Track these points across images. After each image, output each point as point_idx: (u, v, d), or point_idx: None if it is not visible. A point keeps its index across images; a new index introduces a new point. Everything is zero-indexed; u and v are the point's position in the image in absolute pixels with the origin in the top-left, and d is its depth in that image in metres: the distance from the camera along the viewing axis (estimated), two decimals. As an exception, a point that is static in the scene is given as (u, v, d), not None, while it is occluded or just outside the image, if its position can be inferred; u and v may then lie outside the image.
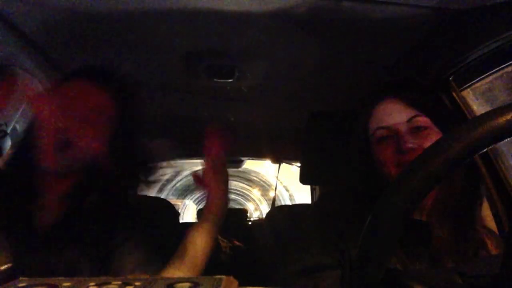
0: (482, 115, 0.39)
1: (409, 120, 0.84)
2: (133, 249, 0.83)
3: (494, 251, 0.81)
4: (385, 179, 0.86)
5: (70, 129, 0.83)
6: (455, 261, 0.78)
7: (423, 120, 0.85)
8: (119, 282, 0.36)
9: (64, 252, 0.80)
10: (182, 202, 8.50)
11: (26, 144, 0.88)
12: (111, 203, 0.88)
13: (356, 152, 0.90)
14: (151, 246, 0.87)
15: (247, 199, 10.54)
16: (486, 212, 1.17)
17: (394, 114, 0.86)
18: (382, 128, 0.86)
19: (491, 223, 1.10)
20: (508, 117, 0.37)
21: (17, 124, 1.28)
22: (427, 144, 0.82)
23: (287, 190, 6.76)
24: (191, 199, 9.56)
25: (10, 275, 0.68)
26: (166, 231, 1.12)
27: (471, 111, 1.23)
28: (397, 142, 0.83)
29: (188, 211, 9.28)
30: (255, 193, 9.76)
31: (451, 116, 1.22)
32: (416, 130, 0.84)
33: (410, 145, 0.81)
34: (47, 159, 0.82)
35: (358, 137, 0.90)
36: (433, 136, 0.83)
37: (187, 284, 0.35)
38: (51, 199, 0.85)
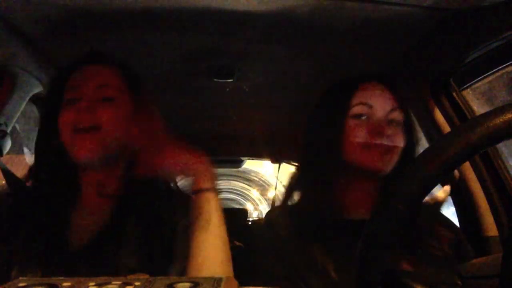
0: (482, 114, 0.39)
1: (391, 110, 0.85)
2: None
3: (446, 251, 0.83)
4: (347, 161, 0.85)
5: (92, 109, 0.79)
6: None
7: (400, 115, 0.85)
8: (119, 282, 0.36)
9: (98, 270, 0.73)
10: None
11: (49, 146, 0.83)
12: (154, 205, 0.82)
13: (328, 129, 0.87)
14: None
15: (247, 199, 10.54)
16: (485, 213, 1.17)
17: (380, 98, 0.86)
18: (365, 104, 0.85)
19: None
20: (508, 117, 0.37)
21: (17, 124, 1.28)
22: (396, 141, 0.83)
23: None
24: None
25: None
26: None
27: (471, 111, 1.23)
28: (377, 124, 0.83)
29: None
30: (254, 193, 9.76)
31: (451, 116, 1.22)
32: (391, 123, 0.84)
33: (388, 131, 0.82)
34: (78, 148, 0.77)
35: (334, 112, 0.87)
36: (400, 135, 0.84)
37: (187, 284, 0.35)
38: (91, 203, 0.82)
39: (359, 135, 0.83)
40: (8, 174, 0.85)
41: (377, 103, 0.85)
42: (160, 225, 0.80)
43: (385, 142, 0.82)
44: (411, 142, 0.88)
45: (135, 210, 0.80)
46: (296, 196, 0.93)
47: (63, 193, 0.81)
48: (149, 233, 0.78)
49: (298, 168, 0.97)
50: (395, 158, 0.84)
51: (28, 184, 0.84)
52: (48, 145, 0.83)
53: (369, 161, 0.83)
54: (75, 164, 0.82)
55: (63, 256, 0.74)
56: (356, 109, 0.85)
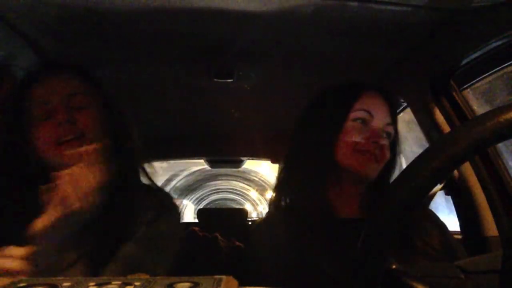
0: (485, 113, 0.39)
1: (387, 124, 0.89)
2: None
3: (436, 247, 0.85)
4: (338, 163, 0.87)
5: (72, 120, 0.82)
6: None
7: (393, 130, 0.91)
8: (119, 282, 0.36)
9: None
10: (180, 201, 8.50)
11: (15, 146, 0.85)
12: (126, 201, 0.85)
13: (325, 127, 0.89)
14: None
15: (246, 199, 10.54)
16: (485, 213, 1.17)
17: (381, 109, 0.89)
18: (367, 111, 0.88)
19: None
20: (509, 116, 0.37)
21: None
22: (385, 151, 0.87)
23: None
24: (190, 199, 9.57)
25: None
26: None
27: (471, 111, 1.23)
28: (374, 131, 0.87)
29: (187, 211, 9.29)
30: (253, 193, 9.77)
31: (451, 116, 1.22)
32: (385, 135, 0.89)
33: (381, 141, 0.86)
34: (67, 159, 0.78)
35: (337, 112, 0.90)
36: (386, 150, 0.88)
37: (187, 284, 0.35)
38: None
39: (355, 138, 0.86)
40: None
41: (378, 114, 0.88)
42: (124, 219, 0.83)
43: (378, 150, 0.86)
44: (395, 155, 0.93)
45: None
46: (287, 196, 0.94)
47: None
48: (114, 225, 0.81)
49: (285, 168, 0.97)
50: (381, 167, 0.88)
51: None
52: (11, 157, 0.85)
53: (360, 165, 0.86)
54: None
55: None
56: (358, 114, 0.88)
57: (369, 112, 0.88)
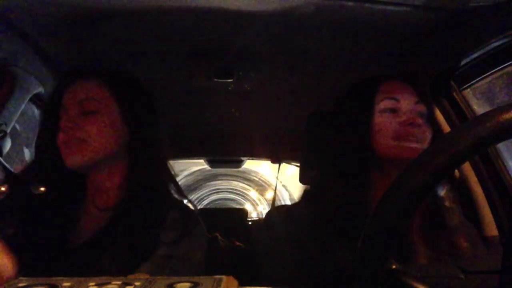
0: (485, 113, 0.39)
1: (416, 102, 0.87)
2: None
3: (464, 246, 0.84)
4: (379, 155, 0.86)
5: (76, 126, 0.84)
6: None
7: (424, 108, 0.88)
8: (119, 282, 0.36)
9: (98, 265, 0.78)
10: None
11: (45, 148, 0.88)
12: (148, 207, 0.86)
13: (355, 126, 0.88)
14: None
15: (246, 199, 10.54)
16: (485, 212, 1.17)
17: (405, 92, 0.88)
18: (392, 99, 0.86)
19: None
20: (509, 116, 0.37)
21: (17, 124, 1.28)
22: (425, 130, 0.85)
23: (287, 190, 6.76)
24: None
25: None
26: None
27: (471, 111, 1.23)
28: (407, 115, 0.84)
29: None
30: (252, 194, 9.76)
31: (451, 116, 1.22)
32: (418, 115, 0.86)
33: (418, 121, 0.83)
34: (65, 156, 0.83)
35: (360, 109, 0.88)
36: (427, 126, 0.86)
37: (187, 284, 0.35)
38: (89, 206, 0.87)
39: (391, 128, 0.84)
40: (8, 174, 0.87)
41: (403, 97, 0.86)
42: (145, 238, 0.83)
43: (417, 131, 0.83)
44: (437, 132, 0.90)
45: (125, 222, 0.83)
46: (318, 193, 0.93)
47: (67, 197, 0.86)
48: (133, 244, 0.81)
49: (323, 175, 0.95)
50: (426, 146, 0.85)
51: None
52: (46, 151, 0.88)
53: (404, 151, 0.83)
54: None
55: (62, 254, 0.78)
56: (384, 104, 0.87)
57: (394, 98, 0.86)
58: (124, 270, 0.76)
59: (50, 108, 0.89)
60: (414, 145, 0.83)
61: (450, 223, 0.86)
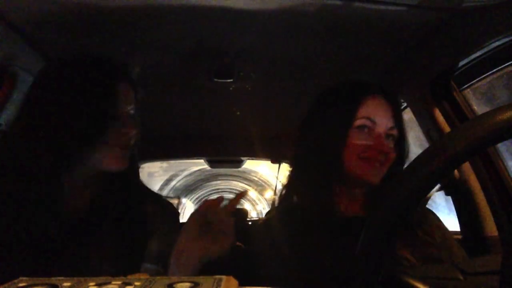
0: (485, 113, 0.39)
1: (391, 128, 0.89)
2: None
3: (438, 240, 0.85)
4: (343, 169, 0.88)
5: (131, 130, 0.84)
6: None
7: (397, 132, 0.90)
8: (119, 282, 0.36)
9: (86, 251, 0.77)
10: (178, 201, 8.46)
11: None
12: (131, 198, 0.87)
13: (330, 136, 0.90)
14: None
15: (246, 199, 10.54)
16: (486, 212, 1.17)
17: (384, 114, 0.90)
18: (369, 119, 0.88)
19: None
20: (509, 116, 0.37)
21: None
22: (390, 155, 0.88)
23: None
24: (190, 199, 9.56)
25: None
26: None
27: (471, 111, 1.23)
28: (378, 138, 0.87)
29: (186, 211, 9.28)
30: (252, 193, 9.77)
31: (451, 116, 1.22)
32: (389, 138, 0.90)
33: (386, 147, 0.87)
34: (117, 159, 0.82)
35: (341, 120, 0.90)
36: (393, 149, 0.89)
37: (187, 284, 0.35)
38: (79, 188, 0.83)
39: (360, 147, 0.87)
40: None
41: (380, 120, 0.89)
42: (133, 230, 0.83)
43: (382, 157, 0.86)
44: (401, 155, 0.92)
45: (111, 214, 0.83)
46: (294, 196, 0.95)
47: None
48: (122, 237, 0.81)
49: (293, 170, 0.98)
50: (386, 170, 0.89)
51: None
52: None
53: (365, 173, 0.87)
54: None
55: (41, 244, 0.75)
56: (361, 122, 0.89)
57: (371, 120, 0.88)
58: (118, 268, 0.77)
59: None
60: (373, 169, 0.87)
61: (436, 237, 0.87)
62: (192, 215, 0.78)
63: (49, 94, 0.80)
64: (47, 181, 0.77)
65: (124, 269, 0.78)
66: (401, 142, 0.92)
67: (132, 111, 0.86)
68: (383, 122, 0.89)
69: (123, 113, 0.84)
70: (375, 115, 0.89)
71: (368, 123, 0.88)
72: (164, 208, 0.93)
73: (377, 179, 0.87)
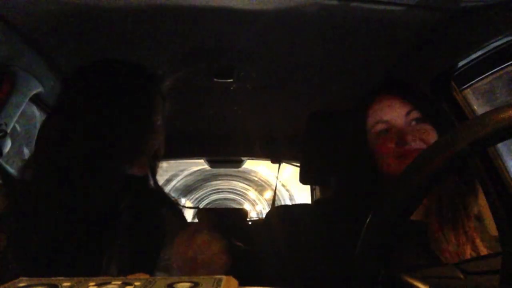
0: (485, 113, 0.39)
1: (407, 114, 0.88)
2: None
3: (482, 247, 0.83)
4: (384, 173, 0.87)
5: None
6: (449, 259, 0.79)
7: (418, 114, 0.88)
8: (119, 282, 0.35)
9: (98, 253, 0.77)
10: (178, 201, 8.46)
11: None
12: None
13: (355, 148, 0.91)
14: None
15: (246, 199, 10.54)
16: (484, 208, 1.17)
17: (392, 109, 0.89)
18: (382, 122, 0.88)
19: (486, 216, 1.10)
20: (508, 116, 0.37)
21: (17, 124, 1.28)
22: (425, 136, 0.85)
23: (287, 190, 6.76)
24: (190, 199, 9.56)
25: None
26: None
27: (471, 111, 1.23)
28: (398, 135, 0.86)
29: (186, 211, 9.27)
30: (251, 194, 9.77)
31: (451, 116, 1.22)
32: (414, 123, 0.87)
33: (411, 137, 0.84)
34: (144, 166, 0.84)
35: (356, 134, 0.91)
36: (429, 130, 0.86)
37: (187, 284, 0.35)
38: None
39: (388, 150, 0.86)
40: (4, 174, 0.85)
41: (391, 116, 0.88)
42: (148, 235, 0.83)
43: (413, 145, 0.84)
44: (445, 127, 0.89)
45: (127, 217, 0.83)
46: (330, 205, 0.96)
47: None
48: (136, 241, 0.81)
49: (335, 183, 0.98)
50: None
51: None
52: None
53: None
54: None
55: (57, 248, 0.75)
56: (376, 128, 0.89)
57: (384, 121, 0.88)
58: (122, 270, 0.76)
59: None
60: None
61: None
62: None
63: (85, 102, 0.80)
64: (83, 186, 0.76)
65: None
66: (433, 116, 0.89)
67: (159, 121, 0.88)
68: (395, 116, 0.88)
69: (156, 124, 0.86)
70: (384, 115, 0.88)
71: (383, 126, 0.88)
72: (177, 216, 0.92)
73: None
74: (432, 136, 0.87)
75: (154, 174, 0.91)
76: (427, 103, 0.91)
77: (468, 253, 0.80)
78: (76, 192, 0.76)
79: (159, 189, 0.94)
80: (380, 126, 0.88)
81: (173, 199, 0.98)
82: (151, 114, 0.84)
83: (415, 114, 0.88)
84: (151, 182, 0.92)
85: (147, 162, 0.86)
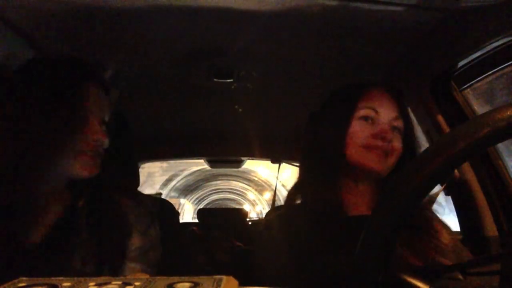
0: (484, 113, 0.39)
1: (395, 118, 0.89)
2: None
3: (445, 243, 0.84)
4: (348, 163, 0.88)
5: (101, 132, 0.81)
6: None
7: (401, 123, 0.90)
8: (119, 282, 0.36)
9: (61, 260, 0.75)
10: (177, 201, 8.48)
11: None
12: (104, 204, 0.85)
13: (333, 130, 0.91)
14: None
15: (246, 199, 10.55)
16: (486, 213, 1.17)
17: (385, 105, 0.90)
18: (371, 109, 0.89)
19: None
20: (508, 116, 0.37)
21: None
22: (395, 145, 0.87)
23: (287, 190, 6.75)
24: (190, 199, 9.56)
25: None
26: (167, 231, 1.12)
27: (471, 111, 1.23)
28: (380, 127, 0.87)
29: (186, 211, 9.28)
30: (251, 194, 9.78)
31: (451, 116, 1.22)
32: (393, 129, 0.89)
33: (389, 137, 0.86)
34: (88, 166, 0.79)
35: (342, 111, 0.91)
36: (399, 141, 0.88)
37: (187, 284, 0.35)
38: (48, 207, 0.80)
39: (363, 136, 0.87)
40: None
41: (383, 109, 0.89)
42: (110, 230, 0.82)
43: (386, 145, 0.86)
44: (411, 148, 0.91)
45: (86, 218, 0.81)
46: (300, 196, 0.95)
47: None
48: (100, 238, 0.79)
49: (300, 168, 0.98)
50: (393, 162, 0.88)
51: None
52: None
53: (370, 162, 0.86)
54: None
55: (19, 253, 0.72)
56: (363, 112, 0.89)
57: (373, 109, 0.88)
58: (101, 269, 0.76)
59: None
60: (378, 158, 0.86)
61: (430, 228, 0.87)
62: None
63: (15, 95, 0.76)
64: (16, 188, 0.73)
65: (107, 270, 0.77)
66: (408, 135, 0.91)
67: (103, 117, 0.83)
68: (386, 112, 0.89)
69: (92, 118, 0.80)
70: (377, 105, 0.89)
71: (371, 113, 0.88)
72: (139, 204, 0.90)
73: (381, 167, 0.86)
74: (399, 149, 0.88)
75: (106, 173, 0.85)
76: (409, 119, 0.93)
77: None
78: (16, 196, 0.73)
79: (117, 186, 0.91)
80: (367, 112, 0.89)
81: (135, 191, 0.97)
82: (75, 104, 0.77)
83: (399, 122, 0.90)
84: (106, 182, 0.87)
85: (93, 163, 0.80)
